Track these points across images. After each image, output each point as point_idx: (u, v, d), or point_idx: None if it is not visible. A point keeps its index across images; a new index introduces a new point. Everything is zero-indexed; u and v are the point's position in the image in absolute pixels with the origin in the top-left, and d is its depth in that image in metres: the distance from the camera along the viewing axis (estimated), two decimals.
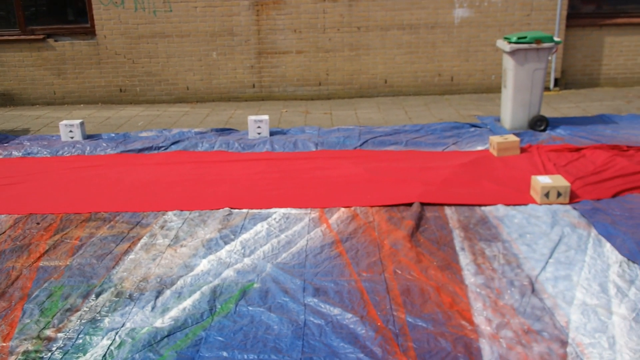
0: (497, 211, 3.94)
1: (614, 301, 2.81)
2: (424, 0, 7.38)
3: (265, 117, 5.85)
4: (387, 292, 2.96)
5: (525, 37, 5.58)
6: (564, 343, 2.51)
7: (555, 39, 5.63)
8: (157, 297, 2.98)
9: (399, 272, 3.16)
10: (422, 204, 4.05)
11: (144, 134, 6.08)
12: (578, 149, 5.12)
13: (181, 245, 3.56)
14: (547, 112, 6.66)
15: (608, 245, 3.37)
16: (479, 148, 5.42)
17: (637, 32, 7.75)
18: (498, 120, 6.25)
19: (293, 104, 7.53)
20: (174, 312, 2.82)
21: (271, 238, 3.62)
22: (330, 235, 3.64)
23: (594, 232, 3.56)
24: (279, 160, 5.18)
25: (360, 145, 5.54)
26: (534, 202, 4.07)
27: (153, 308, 2.88)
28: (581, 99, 7.35)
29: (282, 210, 4.05)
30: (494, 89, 7.70)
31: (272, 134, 5.94)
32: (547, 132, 5.81)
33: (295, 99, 7.75)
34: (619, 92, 7.64)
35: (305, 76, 7.67)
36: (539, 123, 5.84)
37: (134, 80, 7.69)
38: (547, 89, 7.75)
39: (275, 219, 3.91)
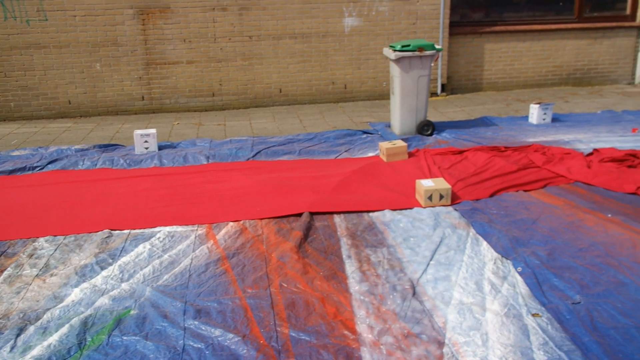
0: (384, 216, 4.01)
1: (488, 298, 2.93)
2: (314, 10, 7.45)
3: (153, 130, 5.60)
4: (272, 307, 2.89)
5: (408, 45, 5.78)
6: (440, 344, 2.57)
7: (437, 46, 5.88)
8: (18, 334, 2.70)
9: (285, 285, 3.10)
10: (312, 214, 4.03)
11: (16, 153, 5.60)
12: (461, 152, 5.37)
13: (51, 275, 3.28)
14: (435, 117, 6.94)
15: (485, 244, 3.52)
16: (370, 154, 5.52)
17: (514, 39, 8.32)
18: (389, 126, 6.42)
19: (186, 115, 7.30)
20: (36, 351, 2.57)
21: (153, 259, 3.43)
22: (216, 252, 3.51)
23: (472, 231, 3.72)
24: (167, 175, 4.97)
25: (253, 157, 5.45)
26: (419, 205, 4.19)
27: (12, 348, 2.60)
28: (466, 103, 7.75)
29: (167, 229, 3.86)
30: (386, 96, 7.93)
31: (160, 148, 5.70)
32: (434, 136, 6.04)
33: (189, 111, 7.52)
34: (500, 96, 8.14)
35: (197, 87, 7.47)
36: (425, 128, 6.06)
37: (7, 95, 7.09)
38: (434, 94, 8.11)
39: (159, 238, 3.72)
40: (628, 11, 8.77)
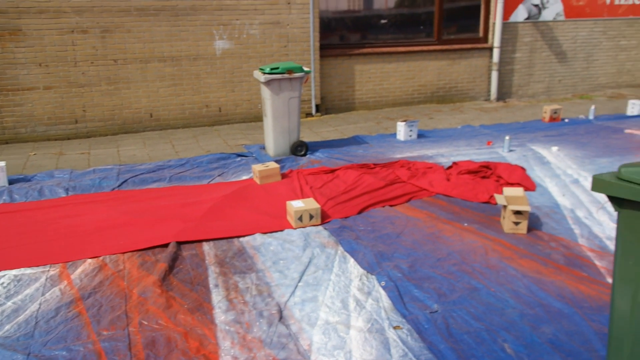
0: (254, 240, 3.95)
1: (353, 315, 2.96)
2: (183, 33, 7.30)
3: (2, 163, 5.09)
4: (129, 348, 2.69)
5: (277, 68, 5.83)
6: None
7: (305, 68, 5.99)
8: None
9: (145, 323, 2.91)
10: (179, 243, 3.87)
11: None
12: (332, 171, 5.48)
13: None
14: (310, 137, 7.06)
15: (352, 261, 3.58)
16: (244, 177, 5.45)
17: (381, 60, 8.74)
18: (263, 148, 6.41)
19: (45, 145, 6.75)
20: None
21: None
22: (69, 294, 3.23)
23: (340, 249, 3.77)
24: (17, 212, 4.52)
25: (119, 186, 5.15)
26: (290, 226, 4.18)
27: None
28: (339, 122, 7.98)
29: (13, 272, 3.49)
30: (261, 118, 7.91)
31: (12, 182, 5.20)
32: (307, 156, 6.12)
33: (48, 140, 6.97)
34: (371, 114, 8.49)
35: (57, 114, 6.95)
36: (299, 148, 6.12)
37: None
38: (309, 114, 8.26)
39: (2, 284, 3.35)
40: (481, 34, 9.61)
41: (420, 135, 7.05)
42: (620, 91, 10.67)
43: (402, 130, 6.83)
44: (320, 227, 4.15)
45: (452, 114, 8.56)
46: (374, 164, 5.63)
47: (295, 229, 4.13)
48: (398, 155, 6.08)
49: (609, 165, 5.60)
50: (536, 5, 9.70)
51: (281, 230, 4.12)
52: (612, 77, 10.81)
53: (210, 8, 7.34)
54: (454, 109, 8.97)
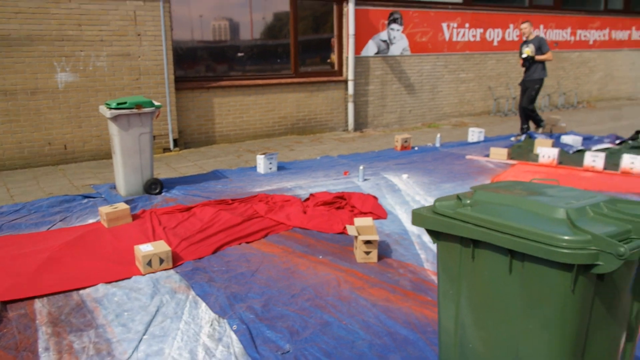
0: (96, 292, 3.61)
1: None
2: (18, 64, 6.67)
3: None
4: None
5: (125, 103, 5.53)
6: None
7: (156, 103, 5.75)
8: None
9: None
10: (5, 303, 3.42)
11: None
12: (188, 208, 5.27)
13: None
14: (167, 173, 6.77)
15: (203, 305, 3.41)
16: (91, 221, 5.04)
17: (240, 93, 8.72)
18: (114, 187, 6.01)
19: None
20: None
21: None
22: None
23: (192, 293, 3.58)
24: None
25: None
26: (139, 273, 3.90)
27: None
28: (199, 157, 7.77)
29: None
30: None
31: None
32: (162, 194, 5.84)
33: None
34: (232, 148, 8.39)
35: None
36: (153, 186, 5.83)
37: None
38: (167, 149, 7.96)
39: None
40: (336, 67, 10.03)
41: (281, 167, 7.09)
42: (462, 119, 11.73)
43: (262, 163, 6.82)
44: (171, 271, 3.92)
45: (312, 145, 8.77)
46: (232, 199, 5.52)
47: (144, 275, 3.86)
48: (257, 189, 6.04)
49: (452, 189, 6.05)
50: (385, 41, 10.39)
51: (128, 278, 3.82)
52: (455, 107, 11.86)
53: (50, 38, 6.81)
54: (314, 139, 9.20)
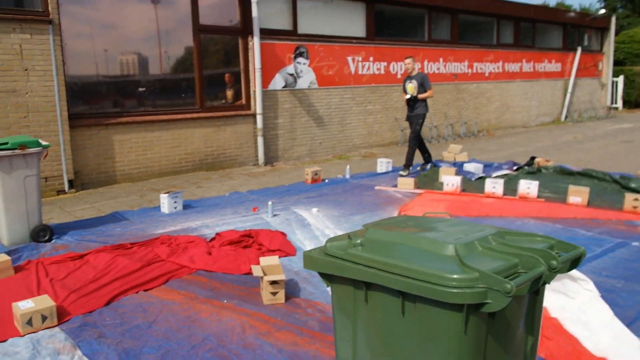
0: None
1: None
2: None
3: None
4: None
5: (6, 143, 5.07)
6: None
7: (43, 142, 5.32)
8: None
9: None
10: None
11: None
12: (81, 256, 4.85)
13: None
14: (60, 218, 6.26)
15: None
16: None
17: (142, 129, 8.35)
18: None
19: None
20: None
21: None
22: None
23: (79, 353, 3.23)
24: None
25: None
26: (17, 334, 3.48)
27: None
28: (98, 198, 7.29)
29: None
30: None
31: None
32: (53, 241, 5.37)
33: None
34: (135, 187, 7.96)
35: None
36: (42, 233, 5.34)
37: None
38: (62, 191, 7.40)
39: None
40: (244, 101, 9.92)
41: (187, 205, 6.79)
42: (372, 150, 11.97)
43: (165, 203, 6.49)
44: (56, 329, 3.53)
45: (222, 180, 8.53)
46: (132, 243, 5.16)
47: (22, 336, 3.44)
48: (160, 231, 5.71)
49: (362, 221, 6.04)
50: (292, 75, 10.45)
51: (3, 341, 3.39)
52: (364, 138, 12.10)
53: None
54: (224, 175, 8.96)
